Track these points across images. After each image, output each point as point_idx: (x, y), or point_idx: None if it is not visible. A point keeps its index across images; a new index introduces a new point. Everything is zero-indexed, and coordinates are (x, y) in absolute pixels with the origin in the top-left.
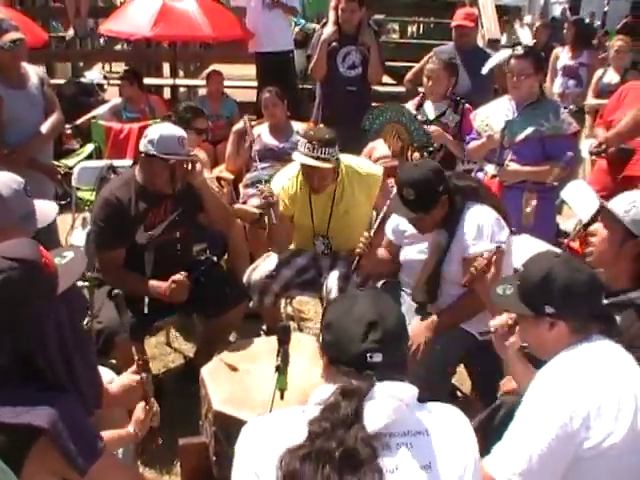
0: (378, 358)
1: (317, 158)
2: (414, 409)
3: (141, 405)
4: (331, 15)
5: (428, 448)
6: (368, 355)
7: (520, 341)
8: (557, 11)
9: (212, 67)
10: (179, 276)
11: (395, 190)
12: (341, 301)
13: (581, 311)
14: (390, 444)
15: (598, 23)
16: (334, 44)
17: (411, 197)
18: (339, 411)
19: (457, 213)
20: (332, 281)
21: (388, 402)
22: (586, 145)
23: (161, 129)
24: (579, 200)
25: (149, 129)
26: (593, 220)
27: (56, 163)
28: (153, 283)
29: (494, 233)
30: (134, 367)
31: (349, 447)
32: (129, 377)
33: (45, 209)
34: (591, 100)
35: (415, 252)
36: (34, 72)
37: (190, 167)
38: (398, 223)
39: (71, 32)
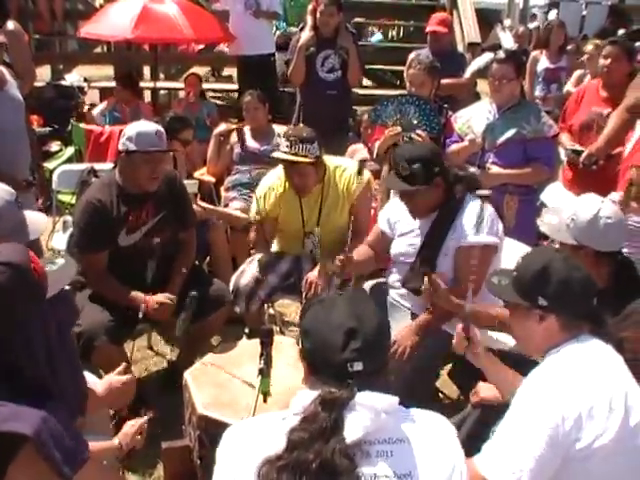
0: (359, 367)
1: (295, 154)
2: (396, 417)
3: (131, 422)
4: (309, 19)
5: (409, 456)
6: (349, 365)
7: (482, 342)
8: (539, 15)
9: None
10: (166, 299)
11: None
12: (319, 306)
13: (573, 308)
14: (370, 452)
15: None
16: (312, 48)
17: (406, 172)
18: (318, 422)
19: (457, 203)
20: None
21: (367, 414)
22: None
23: (138, 126)
24: (559, 202)
25: (126, 128)
26: None
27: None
28: (137, 296)
29: (492, 226)
30: (120, 368)
31: (326, 459)
32: (115, 378)
33: (35, 220)
34: (570, 87)
35: (405, 245)
36: (8, 73)
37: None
38: (391, 215)
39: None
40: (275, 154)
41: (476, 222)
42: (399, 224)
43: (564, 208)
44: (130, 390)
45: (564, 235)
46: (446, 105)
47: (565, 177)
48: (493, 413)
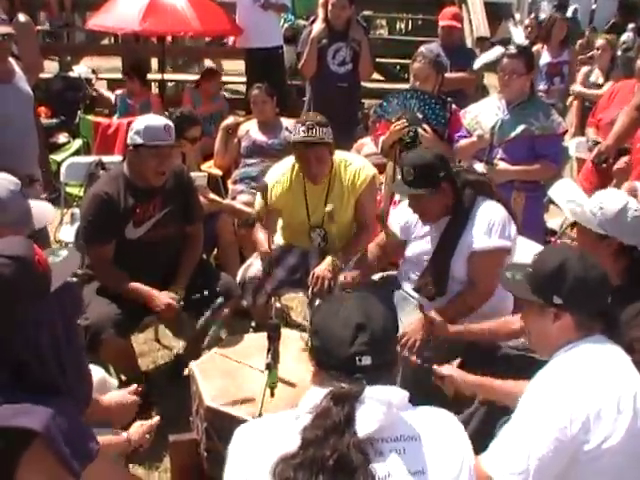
0: (367, 361)
1: (312, 137)
2: (406, 414)
3: (141, 422)
4: (320, 12)
5: (421, 453)
6: (357, 358)
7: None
8: (547, 9)
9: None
10: (174, 302)
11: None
12: (327, 305)
13: (588, 307)
14: (382, 450)
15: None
16: (324, 41)
17: (410, 177)
18: (331, 417)
19: (468, 207)
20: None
21: (378, 407)
22: (572, 144)
23: (147, 120)
24: (567, 198)
25: (135, 121)
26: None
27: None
28: (145, 291)
29: (504, 229)
30: (132, 387)
31: (342, 454)
32: (125, 395)
33: (41, 210)
34: (579, 87)
35: (419, 249)
36: (17, 65)
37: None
38: (405, 219)
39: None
40: (294, 138)
41: (487, 226)
42: (414, 228)
43: (588, 198)
44: (131, 410)
45: (589, 221)
46: (450, 100)
47: (585, 172)
48: (501, 410)
